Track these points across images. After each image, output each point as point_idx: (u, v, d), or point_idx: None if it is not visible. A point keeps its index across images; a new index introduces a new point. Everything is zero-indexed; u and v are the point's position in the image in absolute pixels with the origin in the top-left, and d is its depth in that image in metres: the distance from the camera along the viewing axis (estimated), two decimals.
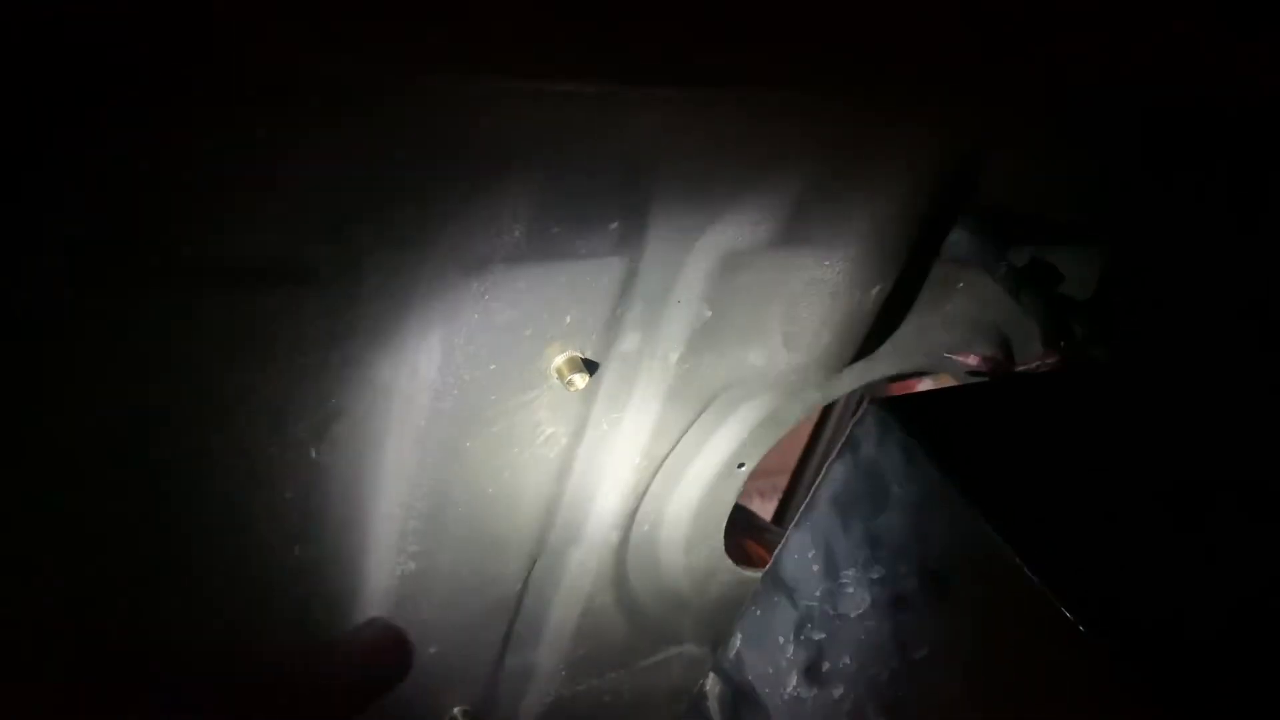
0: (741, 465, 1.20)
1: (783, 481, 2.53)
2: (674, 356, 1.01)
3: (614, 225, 0.84)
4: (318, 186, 0.69)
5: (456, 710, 1.27)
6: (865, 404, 0.87)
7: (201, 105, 0.59)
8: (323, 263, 0.75)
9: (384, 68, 0.61)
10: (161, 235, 0.65)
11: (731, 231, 0.92)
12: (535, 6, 0.61)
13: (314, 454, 0.88)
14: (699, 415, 1.11)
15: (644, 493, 1.16)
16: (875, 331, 1.05)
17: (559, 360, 0.93)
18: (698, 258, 0.93)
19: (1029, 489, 0.81)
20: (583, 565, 1.20)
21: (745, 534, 1.82)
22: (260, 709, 1.02)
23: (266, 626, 1.00)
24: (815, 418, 2.39)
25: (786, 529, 2.34)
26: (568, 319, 0.91)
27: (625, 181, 0.81)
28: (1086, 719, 0.72)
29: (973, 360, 1.07)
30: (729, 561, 1.33)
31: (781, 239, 0.93)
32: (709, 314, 0.98)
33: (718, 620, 1.43)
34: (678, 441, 1.12)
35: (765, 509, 2.54)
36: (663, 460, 1.13)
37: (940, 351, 1.18)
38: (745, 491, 1.27)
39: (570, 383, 0.93)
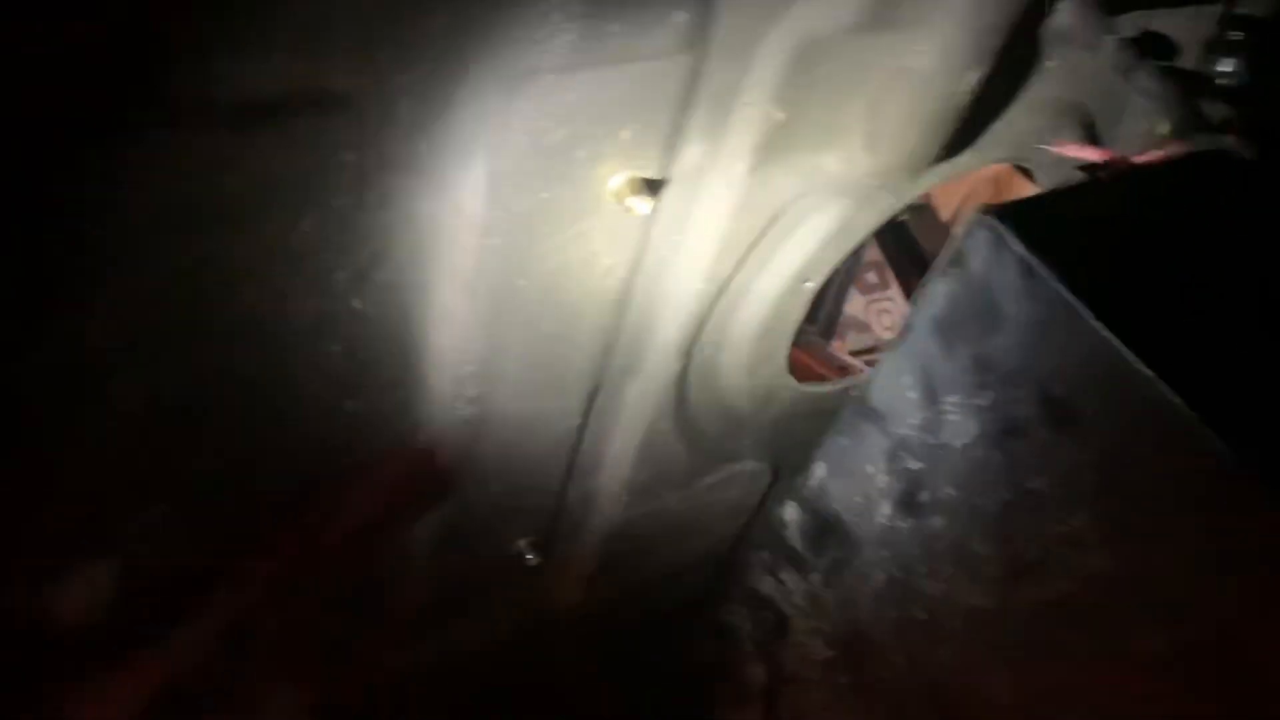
0: (808, 281, 1.11)
1: None
2: (740, 168, 0.90)
3: (680, 16, 0.71)
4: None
5: (521, 541, 1.25)
6: (974, 214, 0.76)
7: None
8: (348, 87, 0.64)
9: None
10: (170, 66, 0.54)
11: (811, 14, 0.79)
12: None
13: (357, 304, 0.80)
14: (766, 231, 1.01)
15: (707, 318, 1.08)
16: (964, 125, 0.92)
17: (616, 182, 0.83)
18: (770, 49, 0.81)
19: (1164, 304, 0.72)
20: (643, 395, 1.14)
21: None
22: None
23: (318, 485, 0.95)
24: None
25: (817, 329, 2.26)
26: (625, 134, 0.79)
27: None
28: (1229, 554, 0.67)
29: (1073, 152, 0.95)
30: (791, 379, 1.27)
31: (867, 21, 0.80)
32: (781, 116, 0.86)
33: (777, 436, 1.38)
34: (743, 261, 1.03)
35: None
36: (727, 282, 1.04)
37: (1028, 140, 1.06)
38: None
39: (629, 207, 0.82)
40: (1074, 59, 0.98)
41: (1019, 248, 0.72)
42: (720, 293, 1.06)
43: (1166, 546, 0.70)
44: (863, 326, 2.41)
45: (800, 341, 1.82)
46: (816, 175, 0.95)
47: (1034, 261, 0.71)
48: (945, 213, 2.10)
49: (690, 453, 1.29)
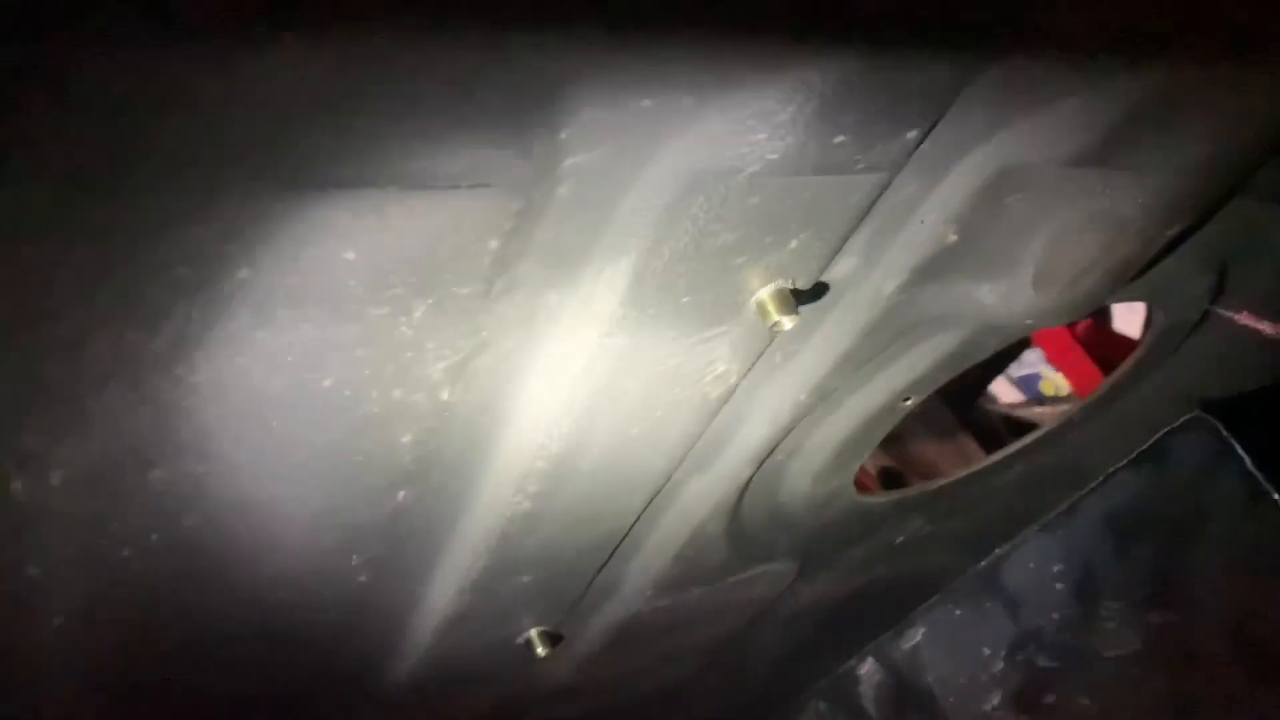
0: (908, 399, 0.99)
1: None
2: (891, 286, 0.79)
3: (913, 134, 0.59)
4: (536, 70, 0.44)
5: (533, 631, 1.11)
6: (1193, 409, 0.65)
7: None
8: (519, 165, 0.51)
9: None
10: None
11: (1027, 139, 0.67)
12: None
13: (446, 395, 0.66)
14: (886, 348, 0.89)
15: (795, 427, 0.96)
16: (1139, 274, 0.82)
17: (764, 293, 0.70)
18: (968, 168, 0.69)
19: None
20: (703, 495, 1.02)
21: None
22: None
23: (348, 571, 0.81)
24: None
25: None
26: (793, 244, 0.67)
27: (953, 75, 0.56)
28: None
29: (1245, 321, 0.85)
30: (853, 490, 1.15)
31: (1085, 156, 0.69)
32: (953, 239, 0.75)
33: (816, 540, 1.27)
34: (853, 376, 0.91)
35: None
36: (829, 395, 0.93)
37: (1165, 286, 0.96)
38: None
39: (777, 324, 0.70)
40: (1239, 210, 0.89)
41: (1248, 464, 0.61)
42: (818, 404, 0.94)
43: None
44: None
45: None
46: (966, 304, 0.83)
47: (1263, 481, 0.61)
48: None
49: (729, 552, 1.17)
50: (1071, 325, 2.05)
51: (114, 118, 0.38)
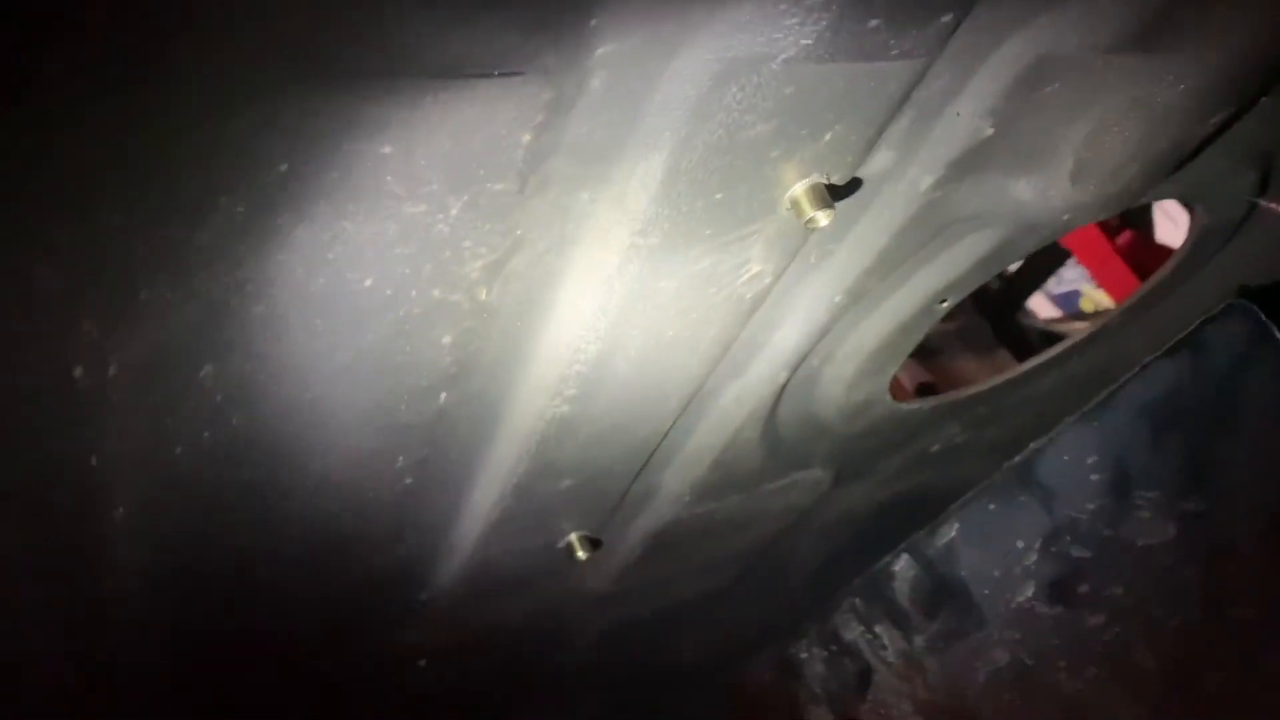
0: (944, 301, 0.99)
1: None
2: (927, 181, 0.78)
3: (947, 18, 0.58)
4: None
5: (573, 535, 1.14)
6: (1230, 297, 0.65)
7: None
8: (549, 53, 0.50)
9: None
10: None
11: (1065, 24, 0.66)
12: None
13: (484, 295, 0.67)
14: (923, 247, 0.89)
15: (830, 330, 0.96)
16: (1182, 165, 0.80)
17: (799, 188, 0.70)
18: (1004, 57, 0.68)
19: None
20: (739, 400, 1.03)
21: None
22: None
23: (395, 473, 0.84)
24: None
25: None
26: (828, 136, 0.67)
27: None
28: None
29: None
30: (889, 396, 1.16)
31: (1124, 41, 0.67)
32: (990, 132, 0.74)
33: (851, 448, 1.28)
34: (888, 276, 0.91)
35: None
36: (864, 295, 0.92)
37: (1207, 183, 0.94)
38: None
39: (811, 220, 0.70)
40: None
41: None
42: (854, 305, 0.94)
43: None
44: None
45: None
46: (1003, 200, 0.82)
47: None
48: None
49: (766, 459, 1.19)
50: (1112, 236, 2.01)
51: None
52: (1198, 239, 1.11)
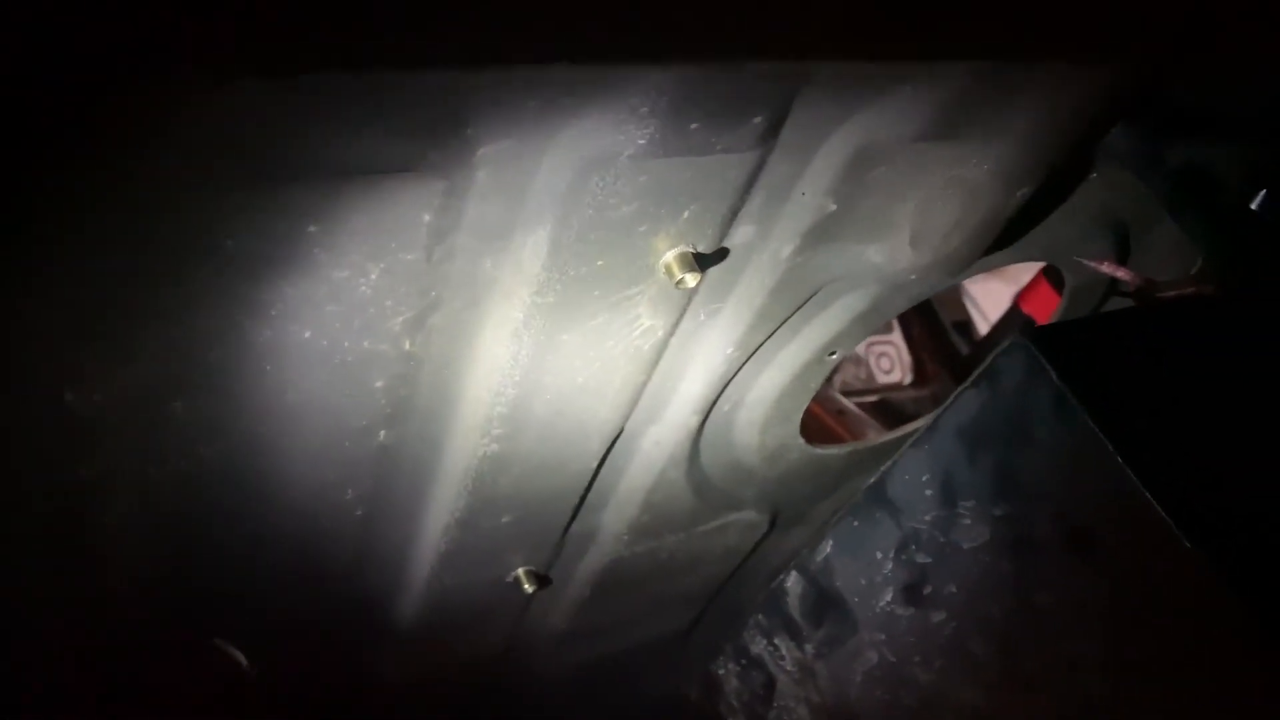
0: (833, 353, 1.13)
1: None
2: (787, 250, 0.93)
3: (758, 119, 0.73)
4: (439, 84, 0.59)
5: (520, 570, 1.27)
6: (1013, 334, 0.79)
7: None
8: (437, 157, 0.66)
9: None
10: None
11: (876, 122, 0.81)
12: None
13: (408, 346, 0.82)
14: (801, 306, 1.03)
15: (731, 379, 1.10)
16: (1006, 233, 0.95)
17: (669, 256, 0.85)
18: (833, 148, 0.83)
19: (1193, 447, 0.75)
20: (658, 443, 1.17)
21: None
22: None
23: (346, 505, 0.98)
24: None
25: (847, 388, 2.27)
26: (685, 214, 0.82)
27: (775, 71, 0.70)
28: (1229, 697, 0.70)
29: (1107, 269, 0.98)
30: (802, 441, 1.29)
31: (928, 133, 0.83)
32: (833, 208, 0.89)
33: (780, 491, 1.41)
34: (775, 332, 1.05)
35: None
36: (756, 348, 1.07)
37: (1055, 246, 1.09)
38: None
39: (680, 281, 0.85)
40: (1120, 176, 1.02)
41: (1054, 376, 0.75)
42: (748, 358, 1.08)
43: (1166, 685, 0.73)
44: (859, 363, 2.46)
45: (822, 401, 1.85)
46: (858, 264, 0.97)
47: (1067, 393, 0.74)
48: None
49: (695, 500, 1.32)
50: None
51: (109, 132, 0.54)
52: (1070, 298, 1.26)
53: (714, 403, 1.14)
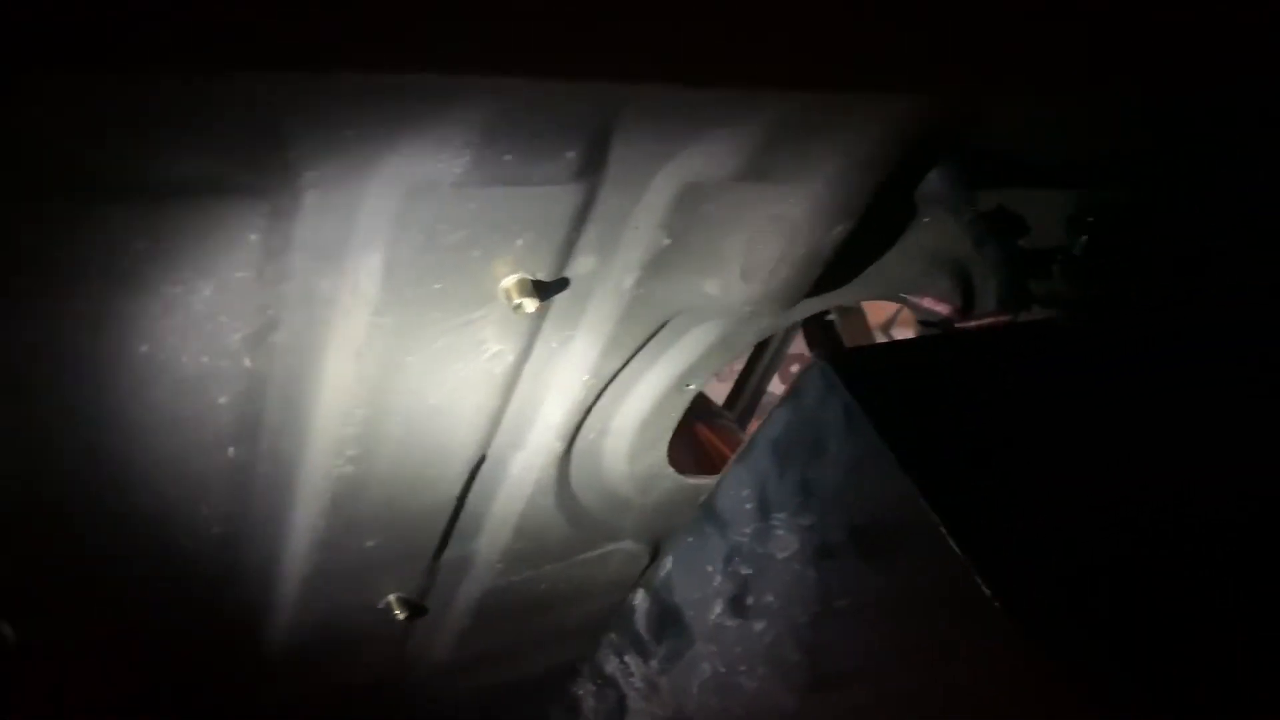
0: (689, 385, 1.19)
1: (739, 365, 2.56)
2: (629, 281, 0.99)
3: (571, 154, 0.79)
4: (257, 105, 0.64)
5: (391, 596, 1.29)
6: (813, 358, 0.86)
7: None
8: (259, 178, 0.71)
9: None
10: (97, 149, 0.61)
11: (696, 162, 0.88)
12: None
13: (248, 363, 0.86)
14: (651, 337, 1.09)
15: (591, 406, 1.15)
16: (836, 268, 1.02)
17: (508, 282, 0.90)
18: (660, 185, 0.89)
19: (969, 458, 0.82)
20: (525, 469, 1.21)
21: (698, 418, 1.85)
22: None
23: (201, 521, 1.00)
24: None
25: (736, 413, 2.34)
26: (519, 242, 0.87)
27: (586, 111, 0.77)
28: (992, 690, 0.75)
29: (927, 304, 1.06)
30: (671, 470, 1.34)
31: (746, 173, 0.90)
32: (667, 242, 0.95)
33: (657, 521, 1.45)
34: (628, 361, 1.11)
35: (718, 392, 2.57)
36: (612, 377, 1.12)
37: (897, 286, 1.17)
38: None
39: (519, 306, 0.90)
40: (944, 218, 1.10)
41: (844, 393, 0.81)
42: (606, 386, 1.13)
43: (946, 671, 0.79)
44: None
45: (714, 425, 1.91)
46: (697, 295, 1.03)
47: (855, 407, 0.80)
48: (874, 315, 2.23)
49: (571, 528, 1.35)
50: None
51: None
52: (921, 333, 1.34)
53: (578, 429, 1.18)
